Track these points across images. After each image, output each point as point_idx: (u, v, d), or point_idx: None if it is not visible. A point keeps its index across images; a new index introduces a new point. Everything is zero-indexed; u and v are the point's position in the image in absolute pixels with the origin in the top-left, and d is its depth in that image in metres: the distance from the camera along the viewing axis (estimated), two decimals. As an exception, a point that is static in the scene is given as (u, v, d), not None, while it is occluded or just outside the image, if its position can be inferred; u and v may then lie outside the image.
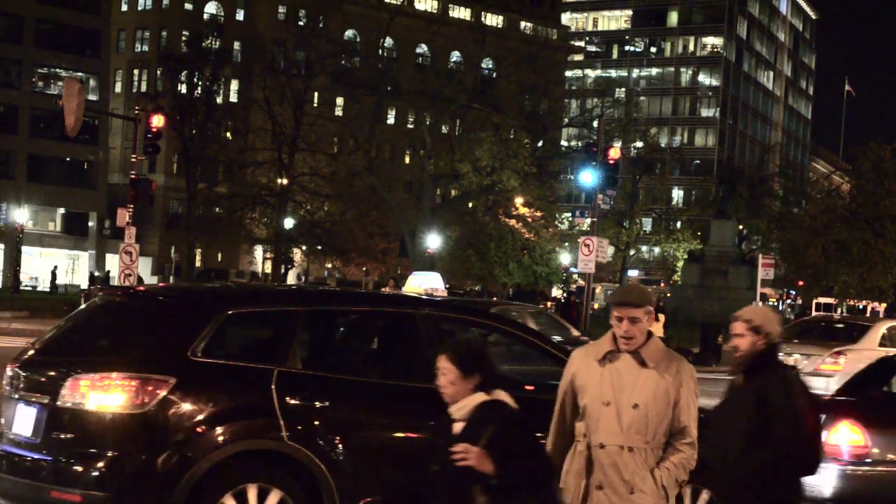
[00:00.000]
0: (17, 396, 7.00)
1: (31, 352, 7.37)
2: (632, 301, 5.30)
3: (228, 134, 76.85)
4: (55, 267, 73.18)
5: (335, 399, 6.91)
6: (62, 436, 6.62)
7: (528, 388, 7.56)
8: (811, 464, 5.85)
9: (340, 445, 6.80)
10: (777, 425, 5.67)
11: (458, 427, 4.96)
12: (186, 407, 6.53)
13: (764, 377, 5.82)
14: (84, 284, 70.05)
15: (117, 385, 6.52)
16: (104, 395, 6.52)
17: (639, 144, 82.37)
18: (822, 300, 74.13)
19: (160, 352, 6.77)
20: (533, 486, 4.94)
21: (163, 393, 6.50)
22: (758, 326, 5.91)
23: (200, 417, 6.54)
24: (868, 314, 66.81)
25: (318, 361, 7.35)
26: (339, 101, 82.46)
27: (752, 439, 5.70)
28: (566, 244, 70.53)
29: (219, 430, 6.54)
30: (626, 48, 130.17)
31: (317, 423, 6.78)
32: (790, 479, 5.82)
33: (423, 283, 31.73)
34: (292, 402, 6.77)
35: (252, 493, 6.62)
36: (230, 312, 7.05)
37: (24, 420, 6.85)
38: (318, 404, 6.85)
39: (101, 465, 6.43)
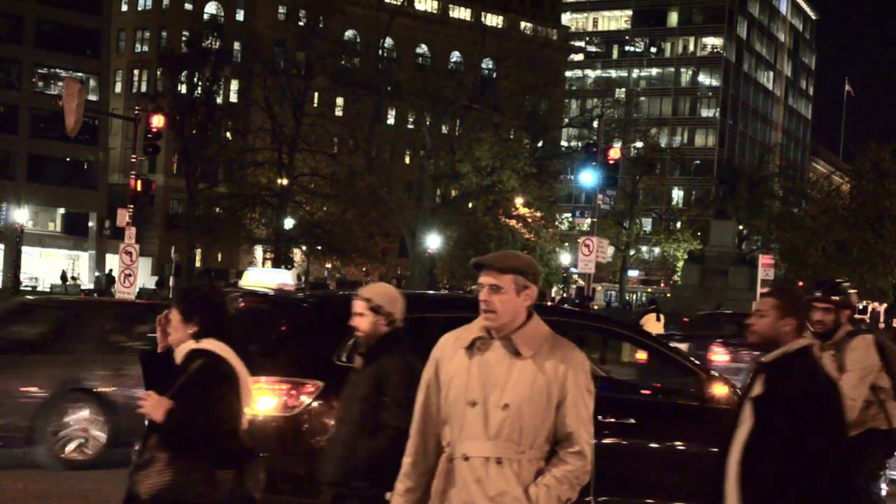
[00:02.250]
0: None
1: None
2: (490, 264, 4.19)
3: (228, 134, 76.83)
4: (63, 271, 73.37)
5: None
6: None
7: (645, 392, 7.74)
8: None
9: None
10: (388, 414, 5.27)
11: None
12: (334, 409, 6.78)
13: (384, 361, 5.37)
14: (85, 284, 70.09)
15: (268, 389, 6.77)
16: (258, 399, 6.67)
17: (639, 144, 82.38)
18: None
19: (309, 357, 6.98)
20: (210, 452, 4.75)
21: (312, 396, 6.77)
22: (378, 306, 5.44)
23: None
24: (868, 314, 66.69)
25: None
26: (339, 101, 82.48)
27: (363, 427, 5.32)
28: (566, 244, 70.55)
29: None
30: (626, 48, 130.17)
31: None
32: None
33: (271, 280, 32.13)
34: None
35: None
36: None
37: None
38: None
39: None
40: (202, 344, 4.90)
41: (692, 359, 8.47)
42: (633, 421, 7.52)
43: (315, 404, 6.75)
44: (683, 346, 21.94)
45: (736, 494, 4.68)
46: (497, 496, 4.06)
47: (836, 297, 6.81)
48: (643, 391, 8.07)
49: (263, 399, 6.66)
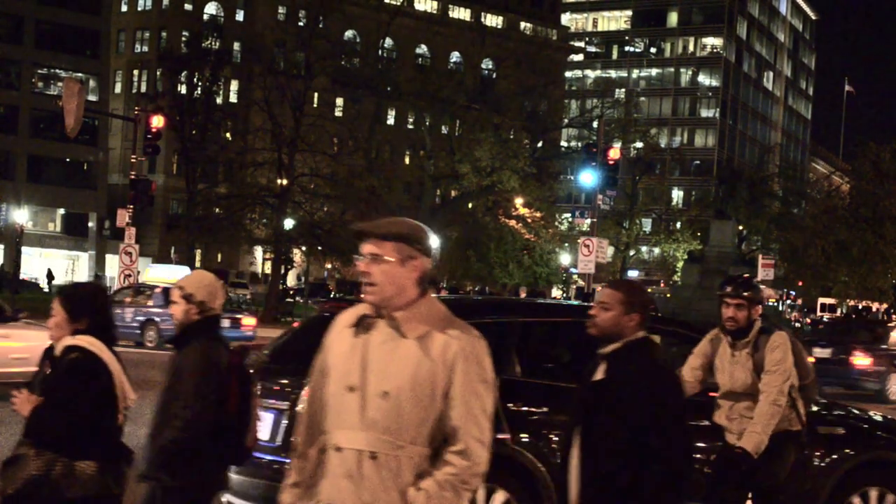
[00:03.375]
0: None
1: (264, 360, 7.81)
2: (371, 230, 3.70)
3: (228, 134, 76.84)
4: (49, 269, 73.15)
5: (552, 405, 7.33)
6: None
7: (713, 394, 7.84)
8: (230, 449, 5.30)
9: (557, 448, 7.21)
10: (179, 404, 5.14)
11: None
12: None
13: (185, 350, 5.28)
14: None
15: None
16: None
17: (639, 145, 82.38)
18: (826, 300, 74.19)
19: None
20: (72, 445, 4.83)
21: None
22: (190, 294, 5.34)
23: None
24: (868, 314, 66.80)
25: (536, 370, 7.76)
26: (339, 101, 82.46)
27: (163, 417, 5.22)
28: (566, 244, 70.55)
29: None
30: (626, 48, 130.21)
31: (536, 427, 7.22)
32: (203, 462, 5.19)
33: (172, 276, 32.39)
34: (514, 408, 7.20)
35: (480, 494, 7.04)
36: None
37: (261, 424, 7.23)
38: (536, 410, 7.31)
39: None
40: (77, 340, 5.00)
41: None
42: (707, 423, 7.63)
43: None
44: (826, 352, 23.57)
45: (576, 481, 4.68)
46: (369, 499, 3.56)
47: (748, 293, 6.44)
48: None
49: None
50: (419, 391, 3.57)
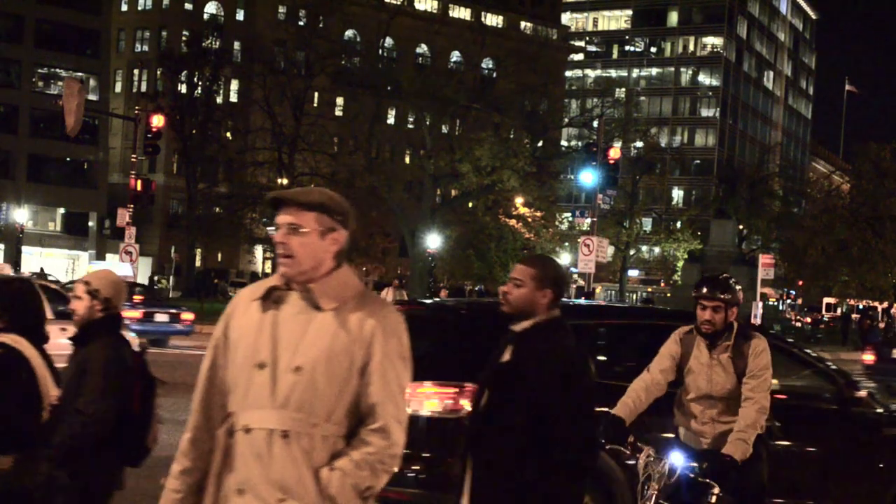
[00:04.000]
0: None
1: None
2: (290, 198, 3.48)
3: (228, 134, 76.88)
4: (41, 268, 73.04)
5: None
6: None
7: (781, 396, 7.88)
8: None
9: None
10: (82, 400, 5.06)
11: None
12: None
13: (90, 346, 5.21)
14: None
15: (435, 392, 7.22)
16: (423, 402, 7.21)
17: (639, 144, 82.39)
18: (832, 300, 74.24)
19: (473, 362, 7.42)
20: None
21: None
22: (96, 290, 5.27)
23: None
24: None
25: (610, 371, 7.93)
26: (339, 101, 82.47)
27: (62, 413, 5.13)
28: (566, 244, 70.54)
29: None
30: (626, 48, 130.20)
31: None
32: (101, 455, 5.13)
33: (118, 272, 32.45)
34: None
35: None
36: None
37: None
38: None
39: (421, 466, 7.15)
40: (1, 337, 5.08)
41: (828, 362, 8.71)
42: (778, 424, 7.70)
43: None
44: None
45: (471, 470, 4.48)
46: (280, 479, 3.32)
47: (725, 295, 6.03)
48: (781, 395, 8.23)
49: (428, 402, 7.21)
50: (334, 366, 3.36)
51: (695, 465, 5.75)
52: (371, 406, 3.39)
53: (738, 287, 6.18)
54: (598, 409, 5.26)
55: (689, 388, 6.15)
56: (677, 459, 5.75)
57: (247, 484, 3.35)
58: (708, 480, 5.68)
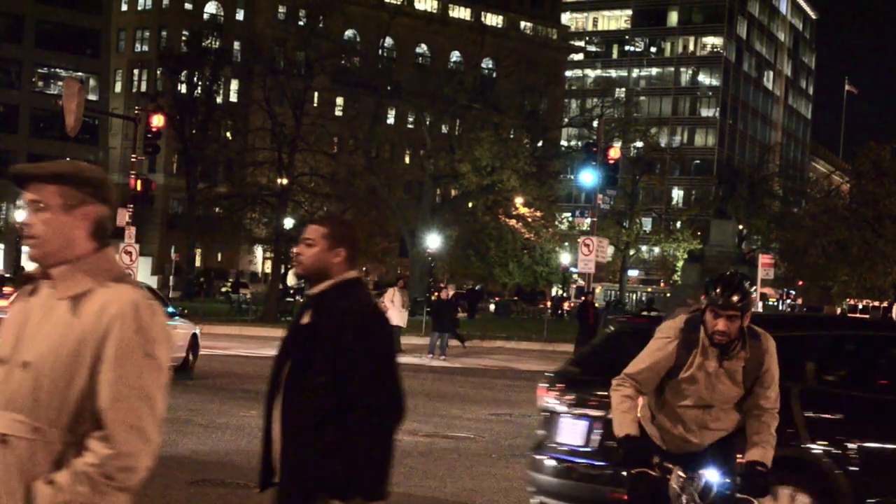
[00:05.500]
0: (562, 410, 8.07)
1: (575, 371, 8.45)
2: (31, 172, 3.11)
3: (228, 134, 76.89)
4: (22, 266, 73.11)
5: (848, 412, 7.70)
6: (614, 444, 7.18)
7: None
8: None
9: (853, 453, 7.56)
10: None
11: None
12: None
13: None
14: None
15: None
16: None
17: (639, 144, 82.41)
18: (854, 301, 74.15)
19: None
20: None
21: None
22: None
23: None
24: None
25: (831, 380, 8.26)
26: (339, 101, 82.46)
27: None
28: (566, 244, 70.56)
29: None
30: (626, 48, 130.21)
31: (832, 433, 7.58)
32: None
33: None
34: (811, 415, 7.59)
35: (784, 494, 7.38)
36: None
37: (573, 431, 7.91)
38: (832, 417, 7.65)
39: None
40: None
41: None
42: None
43: None
44: None
45: (278, 439, 4.27)
46: None
47: (743, 302, 5.22)
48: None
49: None
50: (63, 362, 2.89)
51: (728, 480, 5.33)
52: (101, 411, 2.87)
53: (752, 288, 5.91)
54: (626, 433, 5.27)
55: (683, 394, 5.44)
56: (712, 476, 5.28)
57: None
58: (746, 496, 5.38)
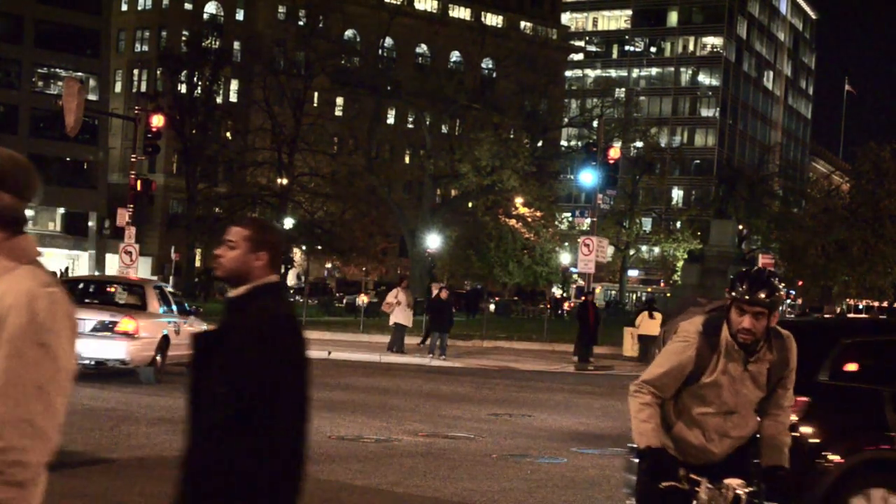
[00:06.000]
0: None
1: None
2: None
3: (228, 134, 76.91)
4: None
5: None
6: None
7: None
8: None
9: None
10: None
11: None
12: (820, 422, 7.63)
13: None
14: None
15: None
16: None
17: (639, 144, 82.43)
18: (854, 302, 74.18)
19: (797, 376, 7.64)
20: None
21: (802, 410, 7.42)
22: None
23: (832, 431, 7.65)
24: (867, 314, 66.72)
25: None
26: (339, 101, 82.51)
27: None
28: (566, 244, 70.57)
29: (846, 441, 7.60)
30: (626, 48, 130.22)
31: None
32: None
33: None
34: None
35: (876, 496, 7.44)
36: (846, 342, 8.15)
37: None
38: None
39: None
40: None
41: None
42: None
43: (804, 417, 7.53)
44: None
45: (187, 443, 4.09)
46: None
47: (771, 298, 4.85)
48: None
49: None
50: None
51: (753, 488, 4.99)
52: None
53: (781, 285, 5.07)
54: (648, 446, 4.93)
55: (704, 401, 5.06)
56: (738, 486, 4.97)
57: None
58: (772, 503, 5.10)
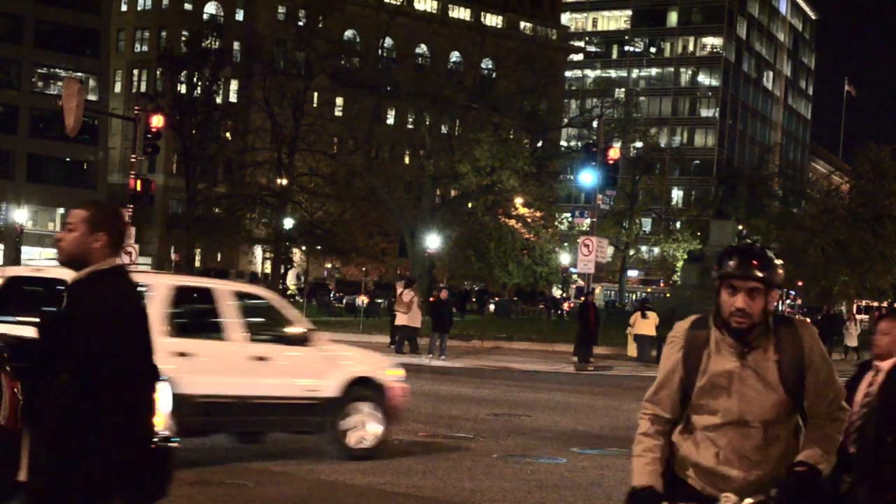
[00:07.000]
0: None
1: None
2: None
3: (228, 134, 76.91)
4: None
5: None
6: None
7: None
8: None
9: None
10: None
11: None
12: None
13: None
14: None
15: None
16: None
17: (638, 144, 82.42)
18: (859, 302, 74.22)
19: None
20: None
21: None
22: None
23: None
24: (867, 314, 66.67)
25: None
26: (339, 101, 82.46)
27: None
28: (566, 244, 70.54)
29: None
30: (626, 48, 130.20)
31: None
32: None
33: None
34: None
35: None
36: None
37: None
38: None
39: None
40: None
41: None
42: None
43: None
44: None
45: (26, 447, 4.01)
46: None
47: (765, 272, 3.91)
48: None
49: None
50: None
51: (761, 497, 3.96)
52: None
53: (779, 262, 4.07)
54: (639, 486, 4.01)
55: (706, 410, 4.06)
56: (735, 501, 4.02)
57: None
58: None
